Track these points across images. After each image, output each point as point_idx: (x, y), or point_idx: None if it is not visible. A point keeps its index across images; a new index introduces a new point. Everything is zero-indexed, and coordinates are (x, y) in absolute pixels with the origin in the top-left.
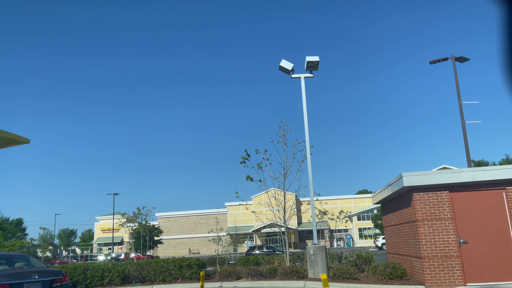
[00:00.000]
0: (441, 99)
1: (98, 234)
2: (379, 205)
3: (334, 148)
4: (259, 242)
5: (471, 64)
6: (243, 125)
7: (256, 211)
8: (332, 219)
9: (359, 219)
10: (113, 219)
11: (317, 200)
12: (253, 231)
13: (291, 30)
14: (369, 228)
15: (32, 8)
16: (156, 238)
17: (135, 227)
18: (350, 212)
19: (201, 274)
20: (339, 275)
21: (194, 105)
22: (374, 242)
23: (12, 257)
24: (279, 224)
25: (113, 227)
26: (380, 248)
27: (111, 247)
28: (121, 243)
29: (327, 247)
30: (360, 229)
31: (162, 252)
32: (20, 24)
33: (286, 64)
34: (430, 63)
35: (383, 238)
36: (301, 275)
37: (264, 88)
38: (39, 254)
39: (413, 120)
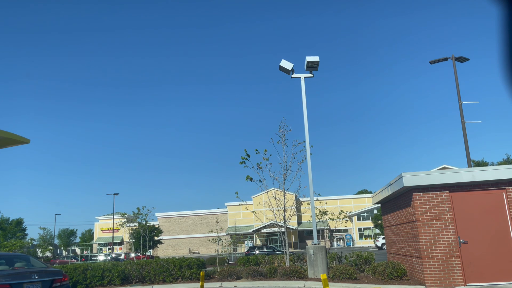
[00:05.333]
0: (441, 99)
1: (98, 234)
2: (379, 205)
3: (334, 148)
4: (259, 242)
5: (471, 64)
6: (243, 125)
7: (256, 211)
8: (332, 219)
9: (359, 219)
10: (113, 219)
11: (317, 200)
12: (253, 231)
13: (291, 30)
14: (369, 228)
15: (32, 8)
16: (156, 238)
17: (135, 227)
18: (350, 212)
19: (201, 274)
20: (339, 275)
21: (194, 105)
22: (374, 242)
23: (12, 257)
24: (279, 224)
25: (113, 227)
26: (380, 248)
27: (111, 247)
28: (121, 243)
29: (327, 247)
30: (360, 229)
31: (162, 252)
32: (20, 24)
33: (286, 64)
34: (430, 63)
35: (383, 238)
36: (301, 275)
37: (264, 88)
38: (39, 254)
39: (413, 120)
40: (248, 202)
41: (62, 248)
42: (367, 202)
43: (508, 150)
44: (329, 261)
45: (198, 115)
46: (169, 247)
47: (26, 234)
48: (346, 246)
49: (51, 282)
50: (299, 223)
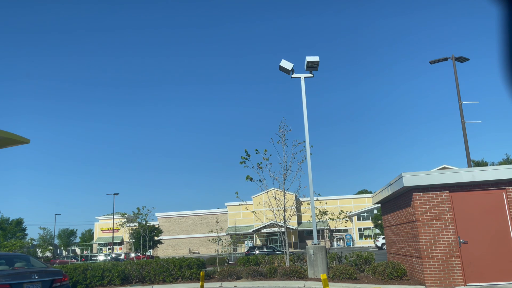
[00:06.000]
0: (441, 99)
1: (98, 234)
2: (379, 205)
3: (334, 148)
4: (259, 242)
5: (471, 64)
6: (243, 125)
7: (256, 211)
8: (332, 219)
9: (359, 219)
10: (113, 219)
11: (317, 200)
12: (253, 231)
13: (291, 30)
14: (369, 228)
15: (32, 8)
16: (156, 238)
17: (135, 227)
18: (350, 212)
19: (201, 274)
20: (339, 275)
21: (194, 105)
22: (374, 242)
23: (12, 257)
24: (279, 224)
25: (113, 227)
26: (380, 248)
27: (111, 247)
28: (121, 243)
29: (327, 247)
30: (360, 229)
31: (162, 252)
32: (20, 24)
33: (286, 64)
34: (430, 63)
35: (383, 238)
36: (301, 275)
37: (264, 88)
38: (39, 254)
39: (413, 120)
40: (248, 202)
41: (62, 248)
42: (367, 202)
43: (508, 150)
44: (329, 261)
45: (198, 115)
46: (169, 247)
47: (26, 234)
48: (346, 246)
49: (51, 282)
50: (299, 223)
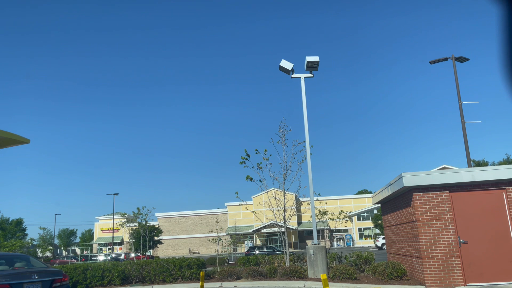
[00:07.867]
0: (441, 99)
1: (98, 234)
2: (379, 205)
3: (334, 148)
4: (259, 242)
5: (471, 64)
6: (243, 125)
7: (256, 211)
8: (332, 219)
9: (359, 219)
10: (113, 219)
11: (317, 200)
12: (253, 231)
13: (291, 30)
14: (369, 228)
15: (32, 8)
16: (156, 238)
17: (135, 227)
18: (350, 212)
19: (201, 274)
20: (339, 275)
21: (194, 105)
22: (374, 242)
23: (12, 257)
24: (279, 224)
25: (113, 227)
26: (380, 248)
27: (111, 247)
28: (121, 243)
29: (327, 247)
30: (360, 229)
31: (162, 252)
32: (20, 24)
33: (286, 64)
34: (430, 63)
35: (383, 238)
36: (301, 275)
37: (264, 88)
38: (39, 254)
39: (413, 120)
40: (248, 202)
41: (62, 248)
42: (367, 202)
43: (508, 150)
44: (329, 261)
45: (198, 115)
46: (169, 247)
47: (26, 234)
48: (346, 246)
49: (51, 282)
50: (299, 223)
